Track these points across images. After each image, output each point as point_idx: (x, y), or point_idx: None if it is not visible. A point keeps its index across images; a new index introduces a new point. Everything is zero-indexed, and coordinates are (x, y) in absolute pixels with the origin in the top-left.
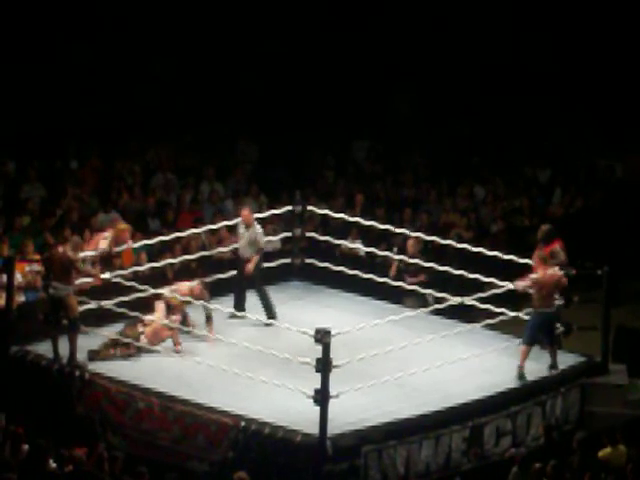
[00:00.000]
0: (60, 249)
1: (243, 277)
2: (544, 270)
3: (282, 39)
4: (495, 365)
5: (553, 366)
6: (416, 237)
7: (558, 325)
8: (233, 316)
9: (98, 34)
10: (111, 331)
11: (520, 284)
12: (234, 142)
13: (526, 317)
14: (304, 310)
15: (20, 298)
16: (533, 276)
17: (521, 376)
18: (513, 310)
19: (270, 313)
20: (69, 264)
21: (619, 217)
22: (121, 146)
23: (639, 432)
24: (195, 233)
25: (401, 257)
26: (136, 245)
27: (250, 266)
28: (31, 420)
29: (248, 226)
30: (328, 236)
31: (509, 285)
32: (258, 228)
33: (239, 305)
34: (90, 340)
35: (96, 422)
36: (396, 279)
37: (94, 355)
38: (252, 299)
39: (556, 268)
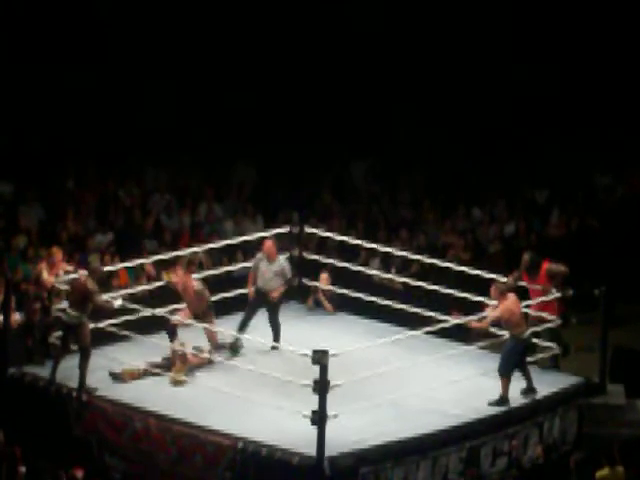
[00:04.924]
0: (82, 278)
1: (257, 307)
2: (503, 303)
3: (280, 59)
4: (492, 386)
5: (530, 389)
6: (328, 273)
7: (555, 345)
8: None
9: (97, 54)
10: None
11: (476, 325)
12: (232, 163)
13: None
14: (301, 331)
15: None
16: (491, 316)
17: (503, 403)
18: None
19: (277, 339)
20: (87, 294)
21: (618, 237)
22: (119, 167)
23: (637, 452)
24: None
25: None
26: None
27: (275, 294)
28: (29, 441)
29: (272, 259)
30: (326, 256)
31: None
32: (283, 259)
33: (242, 329)
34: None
35: (93, 443)
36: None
37: (118, 377)
38: (253, 319)
39: (511, 295)
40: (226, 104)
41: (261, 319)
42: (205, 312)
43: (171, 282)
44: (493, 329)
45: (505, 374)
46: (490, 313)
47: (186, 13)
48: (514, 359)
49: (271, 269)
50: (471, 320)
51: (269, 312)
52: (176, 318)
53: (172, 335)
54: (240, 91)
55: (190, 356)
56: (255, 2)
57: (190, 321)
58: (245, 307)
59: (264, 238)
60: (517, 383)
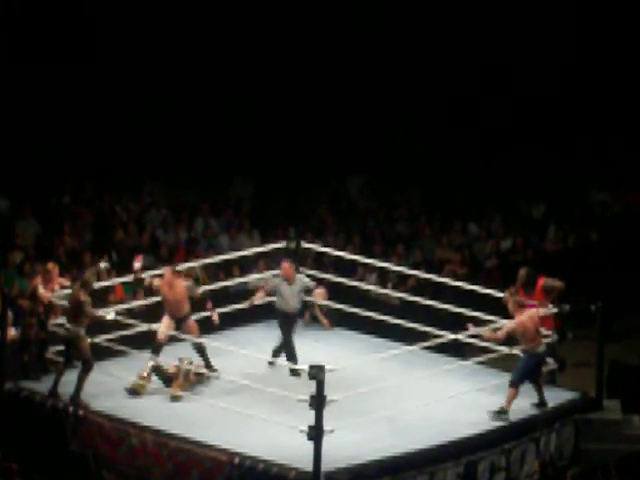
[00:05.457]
0: (75, 290)
1: (292, 330)
2: (520, 315)
3: (277, 75)
4: (489, 401)
5: (542, 403)
6: (324, 289)
7: (552, 361)
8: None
9: (96, 69)
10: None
11: (490, 336)
12: (229, 179)
13: (521, 353)
14: (298, 346)
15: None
16: (506, 328)
17: (503, 414)
18: (507, 346)
19: (277, 355)
20: (80, 305)
21: (613, 253)
22: (116, 182)
23: (634, 468)
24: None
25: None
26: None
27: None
28: (25, 456)
29: (291, 281)
30: (322, 272)
31: (504, 322)
32: (302, 277)
33: (292, 357)
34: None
35: (90, 458)
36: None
37: (133, 392)
38: (250, 334)
39: (533, 310)
40: (224, 120)
41: (259, 334)
42: (188, 314)
43: (153, 286)
44: (487, 344)
45: (514, 385)
46: (506, 325)
47: (186, 30)
48: (528, 372)
49: (294, 289)
50: (485, 331)
51: (285, 331)
52: (162, 334)
53: (156, 351)
54: (238, 102)
55: (192, 375)
56: (250, 16)
57: (173, 332)
58: (238, 322)
59: (280, 261)
60: (519, 398)
